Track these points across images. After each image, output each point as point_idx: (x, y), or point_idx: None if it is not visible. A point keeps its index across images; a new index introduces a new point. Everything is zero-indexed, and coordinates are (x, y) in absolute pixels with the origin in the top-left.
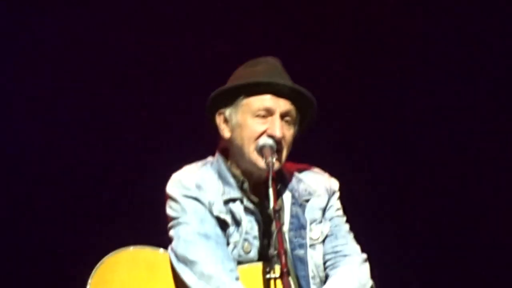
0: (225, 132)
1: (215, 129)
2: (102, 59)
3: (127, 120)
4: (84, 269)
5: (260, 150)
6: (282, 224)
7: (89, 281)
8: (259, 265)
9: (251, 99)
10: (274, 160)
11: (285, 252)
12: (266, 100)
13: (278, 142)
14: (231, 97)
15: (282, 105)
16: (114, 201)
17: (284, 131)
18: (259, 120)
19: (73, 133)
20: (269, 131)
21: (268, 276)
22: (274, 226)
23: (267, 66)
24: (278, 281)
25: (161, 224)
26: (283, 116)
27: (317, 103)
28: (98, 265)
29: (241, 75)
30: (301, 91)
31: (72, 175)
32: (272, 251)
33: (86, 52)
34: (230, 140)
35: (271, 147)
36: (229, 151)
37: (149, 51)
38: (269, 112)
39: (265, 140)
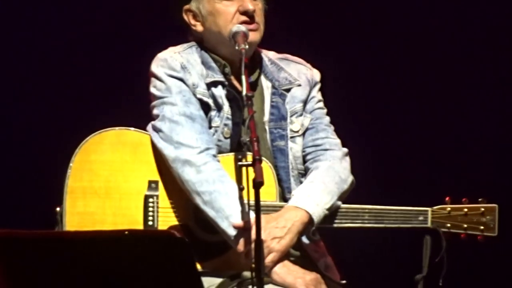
0: (198, 27)
1: (186, 28)
2: None
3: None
4: (68, 148)
5: (233, 37)
6: (255, 112)
7: (72, 158)
8: (233, 154)
9: None
10: (246, 46)
11: (258, 140)
12: None
13: (252, 16)
14: None
15: None
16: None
17: (254, 6)
18: (227, 3)
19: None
20: (240, 8)
21: (240, 163)
22: (247, 113)
23: None
24: (251, 169)
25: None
26: None
27: None
28: (82, 143)
29: None
30: None
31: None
32: (245, 138)
33: None
34: (205, 32)
35: (243, 33)
36: (204, 43)
37: None
38: None
39: (237, 27)
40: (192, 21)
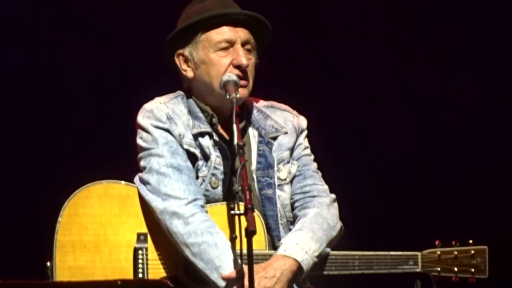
0: (188, 72)
1: (177, 73)
2: None
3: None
4: (56, 202)
5: (224, 86)
6: (246, 161)
7: (61, 212)
8: (225, 204)
9: (209, 34)
10: (238, 95)
11: (249, 189)
12: (225, 32)
13: (245, 71)
14: (188, 36)
15: (241, 34)
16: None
17: (247, 60)
18: (222, 53)
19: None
20: (234, 61)
21: (233, 212)
22: (238, 162)
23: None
24: (243, 218)
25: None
26: (243, 44)
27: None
28: (70, 197)
29: (192, 13)
30: (258, 17)
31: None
32: (237, 188)
33: None
34: (195, 79)
35: (234, 82)
36: (192, 90)
37: None
38: (230, 43)
39: (228, 76)
40: (183, 66)
